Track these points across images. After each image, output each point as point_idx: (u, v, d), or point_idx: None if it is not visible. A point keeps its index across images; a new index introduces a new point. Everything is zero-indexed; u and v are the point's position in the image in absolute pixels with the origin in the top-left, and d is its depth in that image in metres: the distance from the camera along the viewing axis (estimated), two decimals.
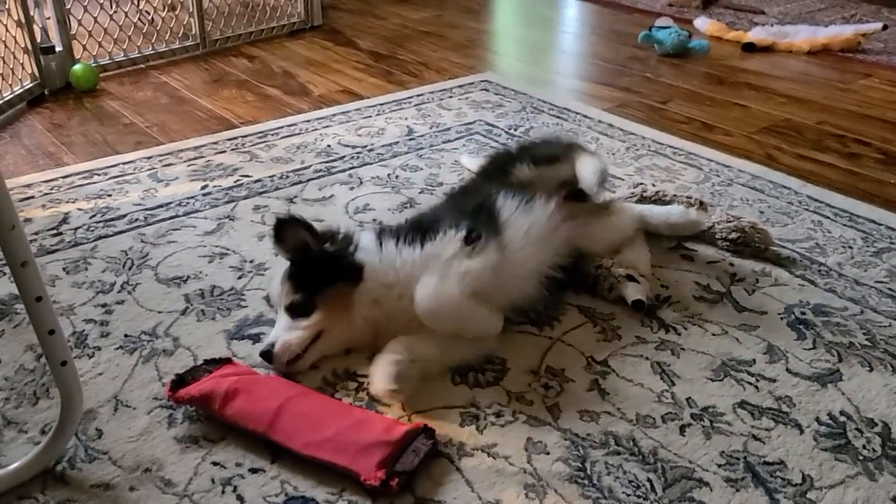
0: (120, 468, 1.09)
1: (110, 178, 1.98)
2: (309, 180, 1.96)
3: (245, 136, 2.24)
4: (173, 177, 1.98)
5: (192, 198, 1.87)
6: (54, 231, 1.72)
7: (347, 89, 2.66)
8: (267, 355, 1.25)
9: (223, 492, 1.05)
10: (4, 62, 2.44)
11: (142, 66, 2.90)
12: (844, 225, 1.73)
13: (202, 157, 2.10)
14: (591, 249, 1.49)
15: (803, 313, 1.42)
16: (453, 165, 2.03)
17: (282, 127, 2.31)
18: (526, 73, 2.91)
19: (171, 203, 1.84)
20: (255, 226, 1.74)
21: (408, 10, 3.75)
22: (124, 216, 1.78)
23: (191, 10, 2.99)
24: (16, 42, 2.49)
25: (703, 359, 1.31)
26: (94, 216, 1.78)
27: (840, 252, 1.62)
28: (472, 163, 1.94)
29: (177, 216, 1.78)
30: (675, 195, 1.73)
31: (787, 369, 1.28)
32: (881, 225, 1.73)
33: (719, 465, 1.09)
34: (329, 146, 2.16)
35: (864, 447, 1.13)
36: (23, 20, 2.45)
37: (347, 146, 2.17)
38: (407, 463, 1.05)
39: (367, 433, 1.09)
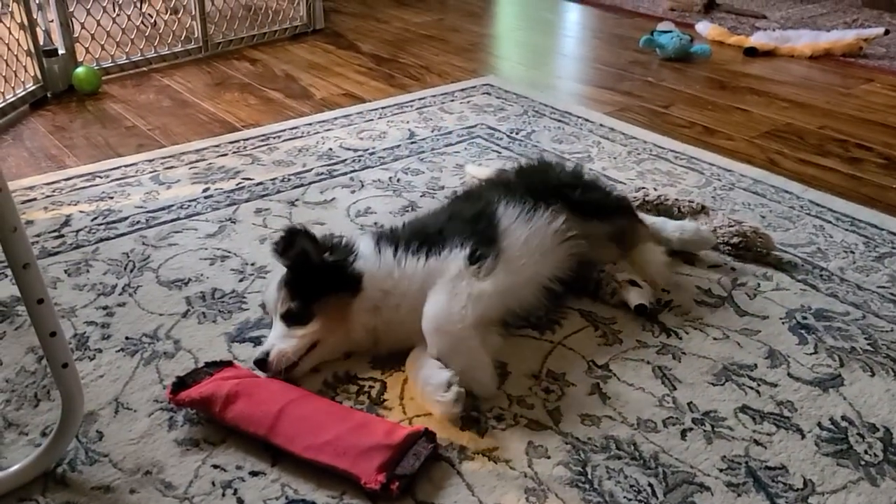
0: (120, 471, 1.09)
1: (112, 181, 1.98)
2: (310, 183, 1.96)
3: (247, 139, 2.24)
4: (175, 179, 1.98)
5: (194, 200, 1.87)
6: (56, 233, 1.72)
7: (349, 93, 2.67)
8: (261, 363, 1.24)
9: (223, 495, 1.05)
10: (7, 65, 2.45)
11: (144, 69, 2.90)
12: (846, 229, 1.73)
13: (204, 159, 2.10)
14: (603, 260, 1.49)
15: (805, 318, 1.42)
16: (455, 169, 2.03)
17: (283, 130, 2.31)
18: (527, 76, 2.91)
19: (172, 206, 1.84)
20: (257, 229, 1.74)
21: (410, 13, 3.75)
22: (126, 219, 1.79)
23: (193, 13, 3.00)
24: (19, 45, 2.50)
25: (704, 363, 1.30)
26: (95, 218, 1.79)
27: (842, 257, 1.62)
28: (479, 171, 1.91)
29: (178, 219, 1.78)
30: (676, 199, 1.73)
31: (789, 374, 1.28)
32: (883, 230, 1.73)
33: (720, 470, 1.09)
34: (331, 149, 2.17)
35: (865, 452, 1.12)
36: (26, 23, 2.46)
37: (349, 149, 2.17)
38: (408, 466, 1.05)
39: (367, 437, 1.09)
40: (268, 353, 1.23)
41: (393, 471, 1.04)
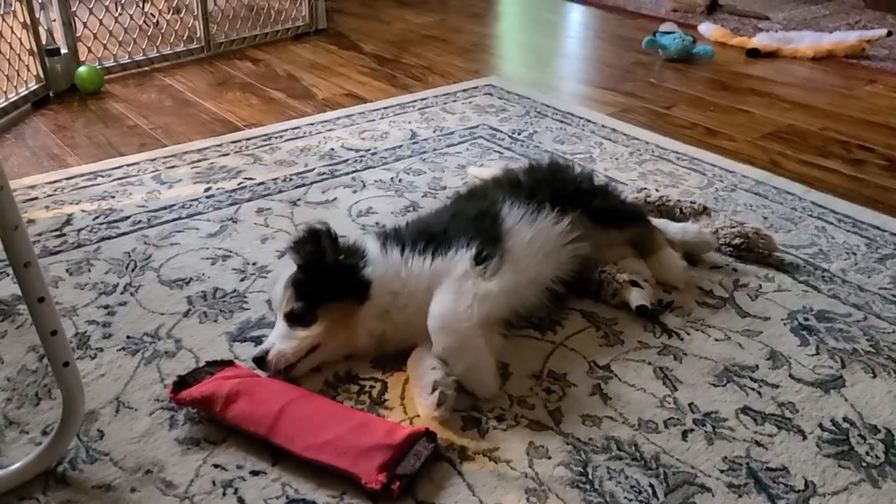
0: (121, 469, 1.09)
1: (114, 180, 1.98)
2: (312, 183, 1.96)
3: (249, 139, 2.24)
4: (177, 179, 1.99)
5: (196, 200, 1.87)
6: (58, 232, 1.72)
7: (351, 93, 2.67)
8: (260, 361, 1.24)
9: (224, 494, 1.05)
10: (10, 64, 2.45)
11: (146, 68, 2.91)
12: (848, 231, 1.73)
13: (206, 159, 2.11)
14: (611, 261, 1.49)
15: (807, 319, 1.42)
16: (456, 169, 2.03)
17: (285, 130, 2.31)
18: (530, 77, 2.91)
19: (174, 205, 1.84)
20: (258, 228, 1.74)
21: (412, 14, 3.75)
22: (128, 218, 1.79)
23: (195, 13, 3.00)
24: (21, 44, 2.50)
25: (705, 364, 1.30)
26: (97, 218, 1.79)
27: (844, 258, 1.62)
28: (482, 173, 1.90)
29: (180, 218, 1.78)
30: (678, 200, 1.73)
31: (790, 375, 1.28)
32: (885, 231, 1.73)
33: (721, 471, 1.09)
34: (332, 149, 2.17)
35: (867, 454, 1.12)
36: (28, 22, 2.46)
37: (351, 149, 2.17)
38: (408, 466, 1.05)
39: (368, 436, 1.09)
40: (267, 352, 1.24)
41: (393, 471, 1.04)
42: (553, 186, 1.49)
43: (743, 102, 2.57)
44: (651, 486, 1.06)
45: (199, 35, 3.04)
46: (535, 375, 1.27)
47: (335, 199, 1.88)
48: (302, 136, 2.26)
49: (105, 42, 2.80)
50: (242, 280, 1.54)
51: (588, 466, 1.09)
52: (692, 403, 1.21)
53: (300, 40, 3.29)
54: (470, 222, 1.36)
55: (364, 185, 1.95)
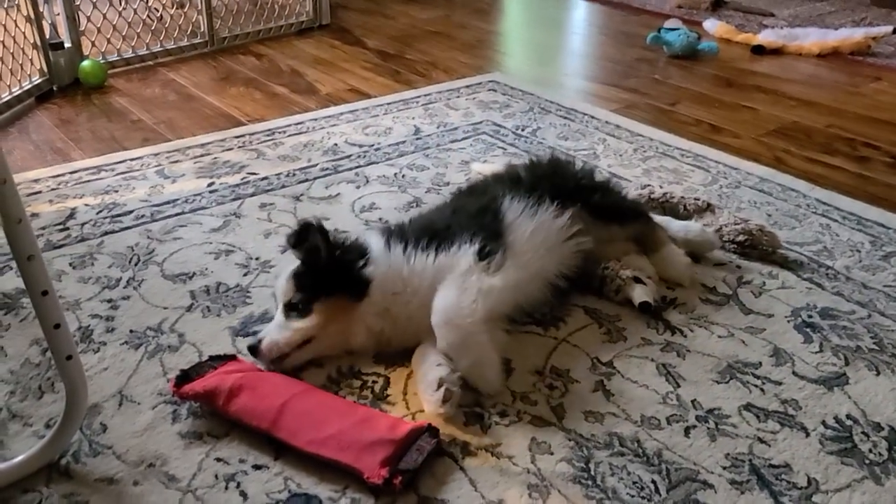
0: (124, 463, 1.09)
1: (117, 175, 1.98)
2: (315, 178, 1.96)
3: (252, 134, 2.24)
4: (180, 174, 1.99)
5: (199, 195, 1.87)
6: (61, 226, 1.72)
7: (355, 88, 2.66)
8: (254, 350, 1.25)
9: (226, 487, 1.05)
10: (13, 58, 2.45)
11: (150, 63, 2.91)
12: (853, 228, 1.72)
13: (209, 154, 2.11)
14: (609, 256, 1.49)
15: (810, 316, 1.41)
16: (460, 165, 2.03)
17: (289, 125, 2.31)
18: (534, 73, 2.91)
19: (177, 200, 1.85)
20: (262, 223, 1.74)
21: (416, 9, 3.75)
22: (131, 212, 1.79)
23: (199, 7, 3.00)
24: (25, 38, 2.50)
25: (708, 361, 1.30)
26: (100, 212, 1.79)
27: (848, 255, 1.61)
28: (485, 168, 1.90)
29: (183, 213, 1.78)
30: (682, 197, 1.73)
31: (794, 372, 1.27)
32: (889, 228, 1.72)
33: (724, 468, 1.08)
34: (336, 145, 2.17)
35: (870, 451, 1.12)
36: (32, 16, 2.46)
37: (354, 145, 2.17)
38: (410, 461, 1.05)
39: (370, 431, 1.09)
40: (261, 341, 1.25)
41: (396, 465, 1.04)
42: (553, 182, 1.49)
43: (748, 99, 2.56)
44: (653, 482, 1.06)
45: (202, 30, 3.04)
46: (537, 371, 1.27)
47: (338, 194, 1.88)
48: (305, 132, 2.26)
49: (108, 36, 2.80)
50: (245, 275, 1.54)
51: (590, 462, 1.09)
52: (695, 400, 1.21)
53: (304, 35, 3.28)
54: (471, 218, 1.36)
55: (367, 181, 1.95)
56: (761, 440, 1.13)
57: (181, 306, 1.44)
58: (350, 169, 2.02)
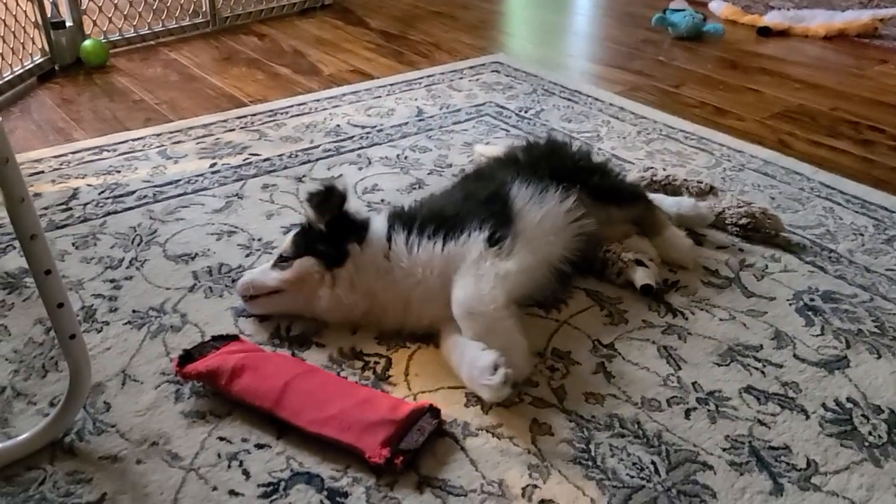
0: (127, 441, 1.10)
1: (120, 155, 1.98)
2: (318, 160, 1.96)
3: (254, 115, 2.23)
4: (182, 154, 1.98)
5: (201, 175, 1.87)
6: (64, 206, 1.72)
7: (357, 69, 2.65)
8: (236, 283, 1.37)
9: (229, 466, 1.06)
10: (15, 37, 2.44)
11: (152, 42, 2.89)
12: (856, 212, 1.72)
13: (211, 134, 2.10)
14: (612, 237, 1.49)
15: (812, 300, 1.41)
16: (463, 147, 2.02)
17: (291, 106, 2.30)
18: (537, 55, 2.89)
19: (179, 180, 1.84)
20: (264, 204, 1.74)
21: None
22: (133, 192, 1.79)
23: None
24: (26, 16, 2.49)
25: (709, 343, 1.30)
26: (103, 192, 1.79)
27: (851, 239, 1.61)
28: (488, 150, 1.88)
29: (185, 193, 1.78)
30: (685, 180, 1.72)
31: (795, 355, 1.28)
32: (893, 212, 1.71)
33: (724, 449, 1.09)
34: (338, 126, 2.16)
35: (869, 434, 1.12)
36: None
37: (357, 126, 2.16)
38: (412, 441, 1.06)
39: (372, 411, 1.10)
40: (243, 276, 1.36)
41: (397, 445, 1.05)
42: (552, 163, 1.49)
43: (753, 82, 2.54)
44: (653, 463, 1.07)
45: (204, 9, 3.02)
46: (539, 353, 1.27)
47: (341, 175, 1.88)
48: (308, 113, 2.25)
49: (110, 15, 2.79)
50: (248, 255, 1.54)
51: (591, 443, 1.10)
52: (695, 382, 1.21)
53: (306, 15, 3.26)
54: (480, 204, 1.36)
55: (370, 162, 1.94)
56: (761, 422, 1.14)
57: (184, 287, 1.44)
58: (352, 150, 2.01)
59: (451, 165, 1.92)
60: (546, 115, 2.23)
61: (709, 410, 1.16)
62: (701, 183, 1.72)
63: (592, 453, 1.08)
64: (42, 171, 1.88)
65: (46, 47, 2.55)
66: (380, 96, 2.37)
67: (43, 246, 0.96)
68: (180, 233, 1.62)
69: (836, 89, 2.48)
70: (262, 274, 1.35)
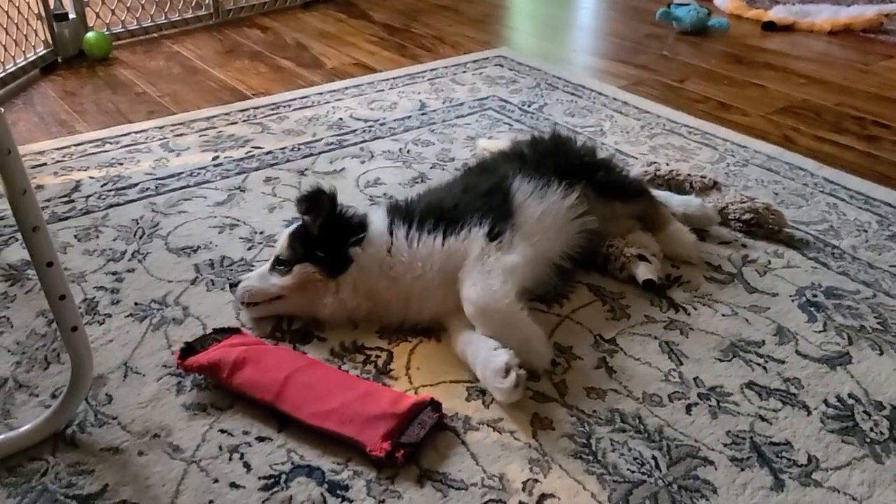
0: (129, 433, 1.10)
1: (122, 147, 1.98)
2: (320, 153, 1.95)
3: (257, 108, 2.23)
4: (185, 147, 1.98)
5: (203, 168, 1.87)
6: (66, 198, 1.72)
7: (360, 62, 2.64)
8: (232, 287, 1.34)
9: (230, 459, 1.06)
10: (18, 28, 2.44)
11: (155, 35, 2.89)
12: (860, 208, 1.71)
13: (214, 127, 2.10)
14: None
15: (815, 296, 1.41)
16: (465, 141, 2.02)
17: (294, 99, 2.30)
18: (541, 49, 2.88)
19: (182, 173, 1.84)
20: (266, 197, 1.74)
21: None
22: (136, 185, 1.79)
23: None
24: (29, 8, 2.49)
25: (711, 339, 1.30)
26: (105, 184, 1.79)
27: (854, 235, 1.60)
28: (491, 145, 1.88)
29: (188, 186, 1.78)
30: (688, 175, 1.72)
31: (797, 351, 1.27)
32: None
33: (725, 445, 1.09)
34: (341, 119, 2.15)
35: (871, 430, 1.12)
36: None
37: (359, 119, 2.15)
38: (413, 435, 1.06)
39: (373, 405, 1.10)
40: (241, 282, 1.33)
41: (398, 439, 1.05)
42: (557, 159, 1.48)
43: (757, 76, 2.53)
44: (654, 458, 1.07)
45: (207, 2, 3.01)
46: None
47: (343, 169, 1.87)
48: (310, 106, 2.25)
49: (113, 8, 2.78)
50: (250, 249, 1.54)
51: (591, 438, 1.10)
52: (697, 378, 1.21)
53: (309, 8, 3.25)
54: (480, 198, 1.35)
55: (372, 156, 1.94)
56: (763, 418, 1.14)
57: (186, 279, 1.44)
58: (355, 144, 2.01)
59: (453, 159, 1.92)
60: (549, 110, 2.22)
61: (710, 406, 1.16)
62: (704, 178, 1.71)
63: (593, 448, 1.08)
64: (45, 164, 1.88)
65: (49, 39, 2.55)
66: (383, 90, 2.37)
67: (45, 238, 0.96)
68: (182, 225, 1.62)
69: (841, 84, 2.47)
70: (261, 280, 1.32)
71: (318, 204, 1.30)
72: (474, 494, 1.01)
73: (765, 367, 1.24)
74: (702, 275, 1.47)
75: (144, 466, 1.05)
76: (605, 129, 2.10)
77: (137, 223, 1.63)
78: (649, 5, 3.26)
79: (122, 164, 1.89)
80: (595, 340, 1.29)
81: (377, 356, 1.25)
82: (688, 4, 2.97)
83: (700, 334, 1.31)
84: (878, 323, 1.34)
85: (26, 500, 1.00)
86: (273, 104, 2.26)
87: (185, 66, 2.60)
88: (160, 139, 2.03)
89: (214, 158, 1.92)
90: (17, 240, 1.55)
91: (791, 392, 1.19)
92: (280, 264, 1.31)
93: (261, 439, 1.09)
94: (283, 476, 1.04)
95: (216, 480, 1.03)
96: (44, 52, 2.53)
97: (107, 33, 2.71)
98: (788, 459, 1.07)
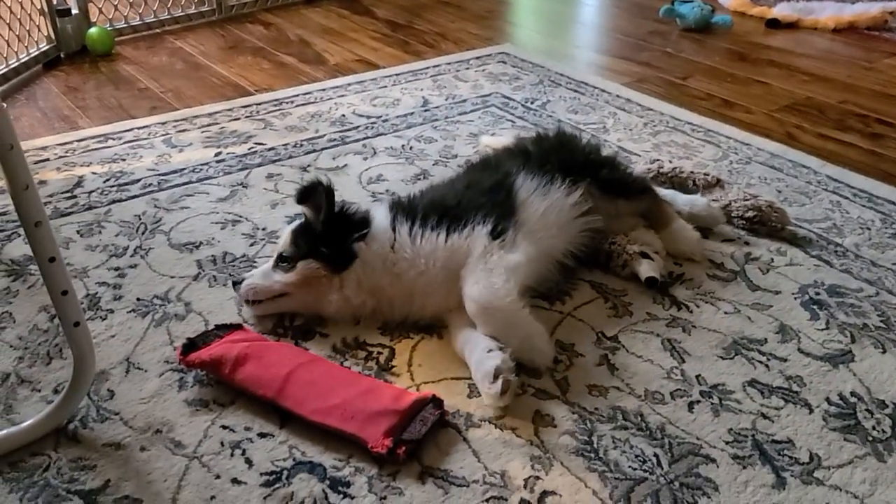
0: (131, 429, 1.10)
1: (125, 143, 1.98)
2: (323, 149, 1.95)
3: (259, 104, 2.23)
4: (187, 143, 1.98)
5: (206, 164, 1.87)
6: (69, 194, 1.73)
7: (363, 59, 2.64)
8: (235, 285, 1.34)
9: (232, 455, 1.06)
10: (21, 24, 2.44)
11: (157, 30, 2.89)
12: (863, 206, 1.71)
13: (216, 123, 2.10)
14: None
15: (818, 294, 1.41)
16: (468, 138, 2.02)
17: (297, 95, 2.29)
18: (544, 45, 2.87)
19: (184, 169, 1.84)
20: (268, 194, 1.74)
21: None
22: (138, 181, 1.79)
23: None
24: (32, 4, 2.48)
25: (714, 337, 1.30)
26: (108, 180, 1.79)
27: (857, 233, 1.60)
28: (494, 141, 1.88)
29: (190, 182, 1.78)
30: (692, 172, 1.71)
31: (799, 349, 1.27)
32: None
33: (727, 443, 1.09)
34: (343, 116, 2.15)
35: (873, 428, 1.12)
36: None
37: (362, 116, 2.15)
38: (414, 432, 1.06)
39: (375, 401, 1.10)
40: (244, 280, 1.31)
41: (400, 436, 1.05)
42: (562, 156, 1.48)
43: (761, 74, 2.52)
44: (656, 455, 1.06)
45: None
46: None
47: (346, 165, 1.87)
48: (313, 102, 2.25)
49: (116, 3, 2.78)
50: (252, 245, 1.54)
51: (593, 435, 1.10)
52: (699, 375, 1.21)
53: (312, 4, 3.25)
54: (483, 195, 1.35)
55: (375, 152, 1.94)
56: (765, 416, 1.14)
57: (188, 275, 1.44)
58: (357, 140, 2.01)
59: (456, 156, 1.91)
60: (552, 107, 2.22)
61: (712, 403, 1.16)
62: (707, 175, 1.71)
63: (595, 445, 1.08)
64: (47, 159, 1.89)
65: (52, 35, 2.55)
66: (385, 86, 2.37)
67: (47, 233, 0.96)
68: (185, 221, 1.62)
69: (844, 82, 2.46)
70: (265, 277, 1.31)
71: (314, 195, 1.29)
72: (476, 491, 1.01)
73: (767, 365, 1.23)
74: (704, 272, 1.46)
75: (146, 462, 1.05)
76: (609, 126, 2.10)
77: (140, 219, 1.63)
78: (653, 2, 3.25)
79: (124, 159, 1.89)
80: (597, 338, 1.29)
81: (379, 353, 1.25)
82: (691, 1, 2.96)
83: (702, 332, 1.31)
84: (881, 321, 1.34)
85: (28, 495, 1.00)
86: (276, 100, 2.26)
87: (188, 62, 2.60)
88: (163, 135, 2.03)
89: (217, 154, 1.92)
90: (19, 235, 1.56)
91: (793, 390, 1.19)
92: (283, 261, 1.31)
93: (262, 435, 1.09)
94: (285, 472, 1.04)
95: (218, 476, 1.03)
96: (46, 47, 2.53)
97: (109, 29, 2.71)
98: (790, 457, 1.07)
